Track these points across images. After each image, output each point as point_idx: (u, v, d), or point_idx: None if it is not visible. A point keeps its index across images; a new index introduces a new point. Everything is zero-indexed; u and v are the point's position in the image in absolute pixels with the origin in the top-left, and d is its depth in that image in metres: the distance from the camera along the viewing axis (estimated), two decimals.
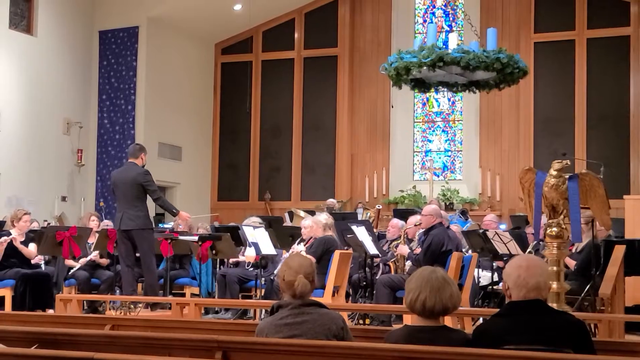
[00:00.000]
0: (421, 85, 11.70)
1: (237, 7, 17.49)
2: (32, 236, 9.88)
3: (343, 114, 17.86)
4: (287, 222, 13.70)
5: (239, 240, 10.16)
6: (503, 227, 12.28)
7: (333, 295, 8.79)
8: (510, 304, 3.76)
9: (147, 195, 9.48)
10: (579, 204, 6.37)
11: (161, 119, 17.10)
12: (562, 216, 6.45)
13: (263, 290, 9.46)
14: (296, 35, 18.38)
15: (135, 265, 9.55)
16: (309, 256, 8.85)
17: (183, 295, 10.63)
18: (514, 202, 16.08)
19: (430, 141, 18.05)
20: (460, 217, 13.54)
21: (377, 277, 9.61)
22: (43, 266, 10.28)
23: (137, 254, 9.60)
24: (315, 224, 9.49)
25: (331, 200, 15.33)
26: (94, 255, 10.18)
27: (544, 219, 6.72)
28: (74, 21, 16.49)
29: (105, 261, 10.38)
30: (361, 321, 9.06)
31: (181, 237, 10.37)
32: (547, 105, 16.56)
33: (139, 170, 9.43)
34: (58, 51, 16.04)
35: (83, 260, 10.05)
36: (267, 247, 9.38)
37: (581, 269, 8.52)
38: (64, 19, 16.23)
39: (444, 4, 18.04)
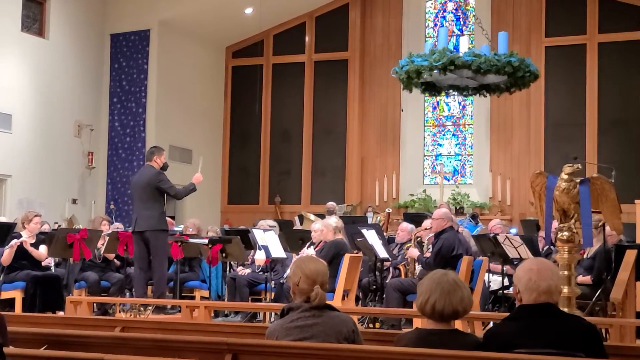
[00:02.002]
0: (432, 88, 11.67)
1: (248, 10, 17.52)
2: (42, 238, 9.89)
3: (353, 117, 17.86)
4: (297, 226, 13.69)
5: (249, 244, 10.16)
6: (514, 231, 12.24)
7: (343, 298, 8.77)
8: (521, 308, 3.74)
9: (163, 197, 9.52)
10: (590, 208, 6.34)
11: (172, 121, 17.14)
12: (573, 220, 6.41)
13: (273, 294, 9.45)
14: (307, 38, 18.39)
15: (148, 269, 9.55)
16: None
17: (193, 298, 10.63)
18: (525, 207, 16.03)
19: (440, 145, 18.03)
20: (470, 221, 13.50)
21: (387, 281, 9.59)
22: (53, 268, 10.30)
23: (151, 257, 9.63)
24: (325, 227, 9.47)
25: (331, 203, 15.24)
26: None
27: (554, 224, 6.69)
28: (85, 24, 16.55)
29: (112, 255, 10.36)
30: (371, 325, 9.04)
31: (191, 240, 10.38)
32: (558, 109, 16.52)
33: (154, 171, 9.50)
34: (70, 54, 16.10)
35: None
36: (277, 250, 9.38)
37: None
38: (75, 22, 16.29)
39: (454, 8, 18.04)
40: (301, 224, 14.05)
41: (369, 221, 13.75)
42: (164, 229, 9.59)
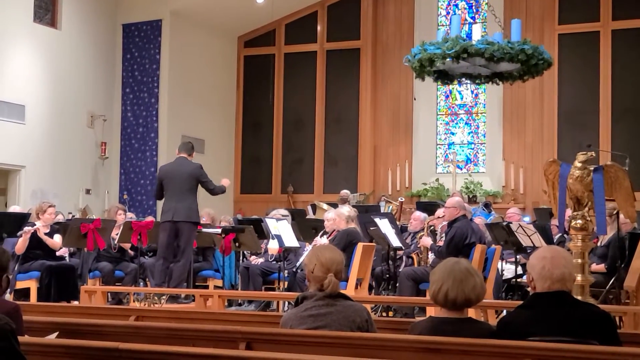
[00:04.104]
0: (444, 77, 11.65)
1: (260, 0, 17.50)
2: (57, 228, 9.94)
3: (366, 106, 17.82)
4: (310, 215, 13.69)
5: (262, 233, 10.18)
6: (527, 219, 12.22)
7: (356, 287, 8.79)
8: (534, 296, 3.74)
9: (197, 189, 9.64)
10: (604, 196, 6.32)
11: (184, 112, 17.15)
12: (586, 208, 6.40)
13: (286, 283, 9.47)
14: (319, 28, 18.35)
15: (172, 258, 9.60)
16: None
17: (206, 287, 10.66)
18: (538, 195, 15.98)
19: (453, 134, 17.97)
20: (483, 209, 13.48)
21: (400, 270, 9.59)
22: (67, 258, 10.35)
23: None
24: (338, 216, 9.48)
25: (344, 191, 15.18)
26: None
27: (568, 212, 6.67)
28: (97, 15, 16.57)
29: (128, 244, 10.40)
30: (384, 313, 9.05)
31: (204, 230, 10.42)
32: (572, 97, 16.43)
33: (194, 164, 9.72)
34: (82, 45, 16.13)
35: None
36: (290, 240, 9.39)
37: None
38: (87, 12, 16.32)
39: None
40: (314, 213, 14.05)
41: (382, 210, 13.74)
42: (198, 221, 9.77)
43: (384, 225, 9.55)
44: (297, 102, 18.46)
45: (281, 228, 9.38)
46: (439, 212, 9.82)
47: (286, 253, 9.67)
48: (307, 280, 4.27)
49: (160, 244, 9.63)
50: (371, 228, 9.75)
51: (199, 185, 9.74)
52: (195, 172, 9.63)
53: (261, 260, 10.26)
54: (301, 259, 9.48)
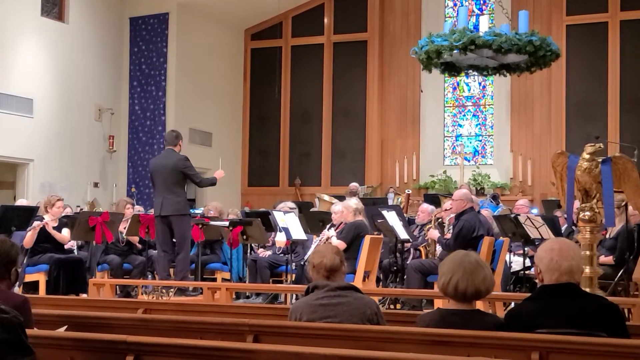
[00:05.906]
0: (451, 69, 11.62)
1: None
2: (65, 221, 9.96)
3: (373, 99, 17.80)
4: (316, 208, 13.68)
5: (270, 226, 10.18)
6: (535, 211, 12.19)
7: (364, 280, 8.78)
8: (542, 288, 3.73)
9: (186, 181, 9.59)
10: (612, 187, 6.30)
11: (191, 105, 17.17)
12: (595, 200, 6.38)
13: (293, 275, 9.48)
14: (326, 20, 18.33)
15: (172, 251, 9.63)
16: (339, 241, 8.89)
17: (214, 280, 10.67)
18: (546, 187, 15.95)
19: (460, 126, 17.95)
20: (491, 202, 13.45)
21: (407, 262, 9.58)
22: (76, 251, 10.37)
23: (174, 240, 9.68)
24: (345, 209, 9.47)
25: (353, 184, 15.16)
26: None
27: (576, 204, 6.65)
28: (104, 8, 16.59)
29: (135, 238, 10.41)
30: (392, 306, 9.05)
31: (212, 223, 10.42)
32: (580, 88, 16.38)
33: (179, 156, 9.58)
34: (89, 38, 16.15)
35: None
36: (298, 232, 9.39)
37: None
38: (95, 6, 16.33)
39: None
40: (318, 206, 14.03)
41: (390, 202, 13.72)
42: (188, 213, 9.67)
43: (392, 217, 9.54)
44: (304, 94, 18.46)
45: (288, 221, 9.37)
46: (447, 204, 9.80)
47: (294, 246, 9.66)
48: (310, 273, 4.33)
49: (157, 238, 9.66)
50: (379, 220, 9.74)
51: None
52: (179, 165, 9.47)
53: (269, 253, 10.26)
54: (309, 252, 9.48)
